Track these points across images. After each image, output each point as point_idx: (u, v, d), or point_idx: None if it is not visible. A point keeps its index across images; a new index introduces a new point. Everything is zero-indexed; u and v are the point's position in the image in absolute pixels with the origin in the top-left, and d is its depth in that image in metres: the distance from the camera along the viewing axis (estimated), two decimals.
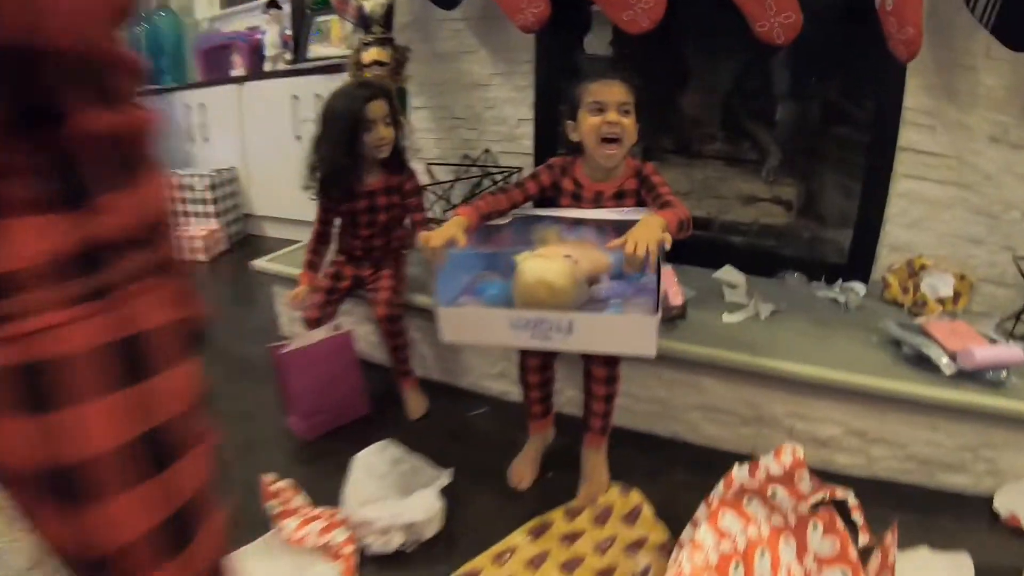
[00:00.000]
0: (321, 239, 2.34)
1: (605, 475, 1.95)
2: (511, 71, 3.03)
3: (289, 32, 4.49)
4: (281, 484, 1.81)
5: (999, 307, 2.50)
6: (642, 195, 1.91)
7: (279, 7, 4.49)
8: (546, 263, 1.58)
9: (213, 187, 4.37)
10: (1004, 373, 1.92)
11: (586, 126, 1.80)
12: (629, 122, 1.81)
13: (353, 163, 2.17)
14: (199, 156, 4.79)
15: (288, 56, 4.47)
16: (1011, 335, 2.25)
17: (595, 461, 1.96)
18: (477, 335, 1.68)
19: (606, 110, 1.78)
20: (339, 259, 2.40)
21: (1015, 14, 2.05)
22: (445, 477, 1.86)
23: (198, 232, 4.23)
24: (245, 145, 4.55)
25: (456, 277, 1.78)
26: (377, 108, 2.11)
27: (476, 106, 3.18)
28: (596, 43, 3.03)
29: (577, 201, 1.93)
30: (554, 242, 1.76)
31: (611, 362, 1.84)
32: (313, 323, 2.26)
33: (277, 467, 1.89)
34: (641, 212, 1.78)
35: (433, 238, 1.63)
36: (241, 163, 4.62)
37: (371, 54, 2.86)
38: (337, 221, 2.37)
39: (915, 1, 2.10)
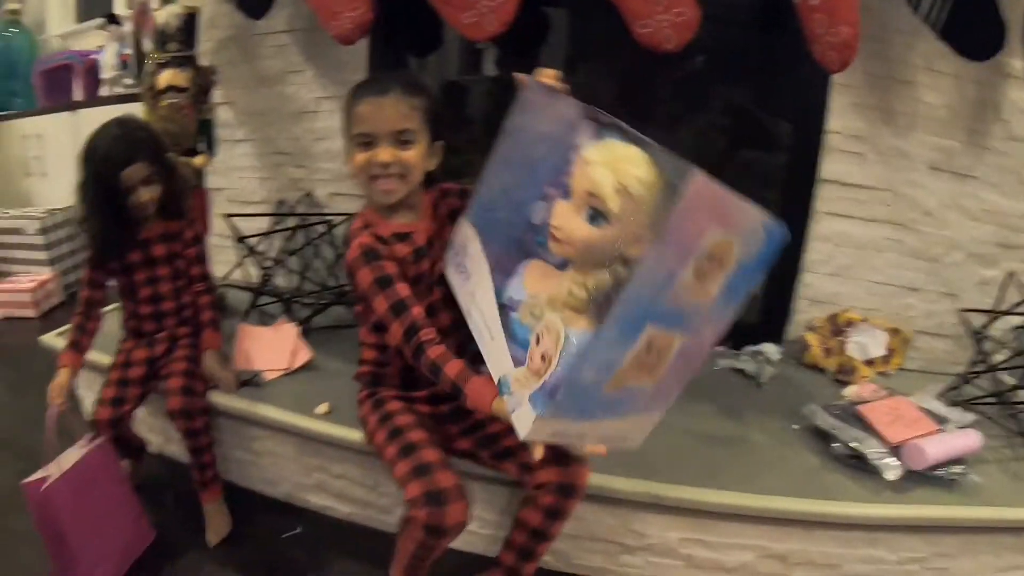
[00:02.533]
0: (90, 309, 1.86)
1: None
2: (342, 95, 2.37)
3: (129, 51, 3.72)
4: None
5: (937, 362, 2.25)
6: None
7: (118, 23, 3.75)
8: None
9: (46, 230, 3.65)
10: (960, 468, 1.61)
11: (354, 162, 1.37)
12: (412, 155, 1.35)
13: (120, 229, 1.81)
14: (38, 193, 4.14)
15: (129, 80, 3.71)
16: (955, 403, 1.91)
17: None
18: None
19: (376, 143, 1.33)
20: (127, 344, 1.94)
21: (970, 13, 1.73)
22: None
23: (26, 284, 3.48)
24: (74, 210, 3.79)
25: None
26: (132, 174, 1.73)
27: (303, 138, 2.62)
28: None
29: (417, 260, 1.43)
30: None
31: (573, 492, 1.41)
32: (105, 425, 1.76)
33: None
34: None
35: None
36: None
37: (165, 78, 2.21)
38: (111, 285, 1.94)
39: None
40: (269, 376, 1.90)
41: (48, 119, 4.01)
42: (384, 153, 1.32)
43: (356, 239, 1.40)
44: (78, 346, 1.84)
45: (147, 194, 1.76)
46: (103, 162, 1.72)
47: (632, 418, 1.04)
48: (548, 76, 1.19)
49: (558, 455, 1.35)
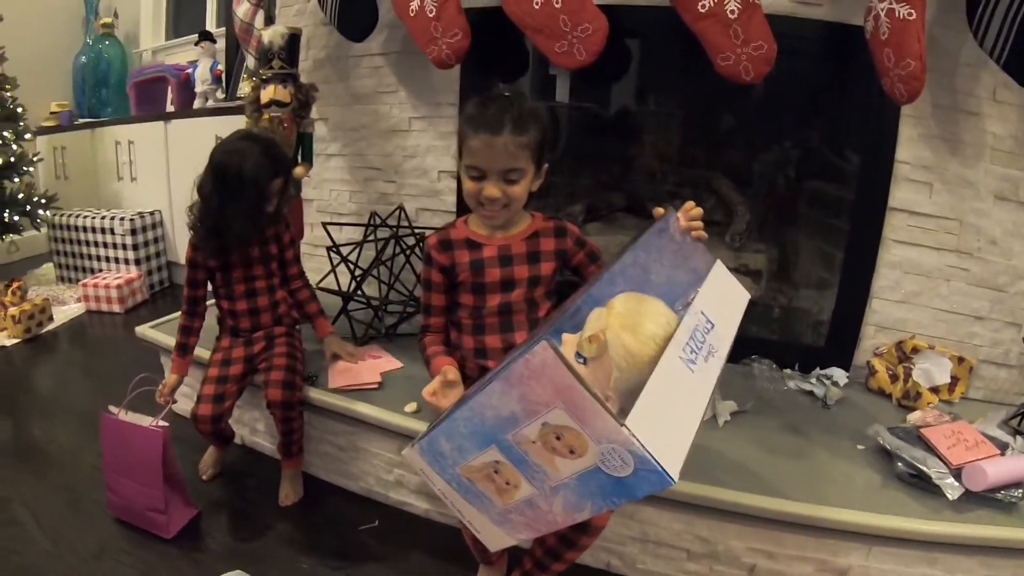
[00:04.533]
0: (194, 307, 2.03)
1: None
2: (434, 115, 2.58)
3: (221, 67, 3.92)
4: None
5: (1001, 392, 2.19)
6: (574, 261, 1.58)
7: (212, 40, 3.97)
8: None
9: (134, 231, 3.83)
10: (1019, 491, 1.58)
11: (465, 188, 1.46)
12: (517, 189, 1.43)
13: (256, 231, 1.96)
14: (127, 197, 4.27)
15: (220, 93, 3.92)
16: (1017, 431, 1.88)
17: None
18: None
19: (486, 178, 1.41)
20: (223, 342, 2.06)
21: None
22: None
23: (114, 280, 3.65)
24: (172, 187, 4.00)
25: None
26: (278, 186, 1.94)
27: (394, 155, 2.70)
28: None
29: (479, 268, 1.53)
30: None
31: (586, 528, 1.42)
32: (206, 421, 1.90)
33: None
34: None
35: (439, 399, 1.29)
36: (167, 206, 4.07)
37: (269, 92, 2.35)
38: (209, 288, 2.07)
39: (917, 28, 1.67)
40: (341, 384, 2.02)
41: (140, 127, 4.13)
42: (491, 189, 1.40)
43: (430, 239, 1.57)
44: (186, 348, 2.01)
45: (275, 203, 1.95)
46: (256, 171, 1.84)
47: (484, 517, 1.06)
48: (693, 214, 1.26)
49: None
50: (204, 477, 2.06)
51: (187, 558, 1.73)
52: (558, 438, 0.86)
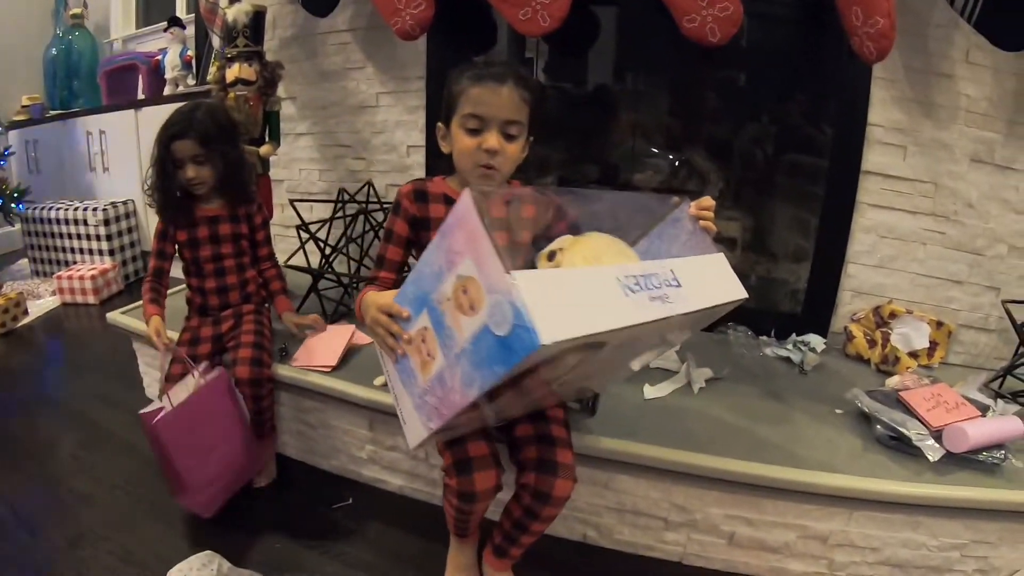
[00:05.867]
0: (159, 278, 2.02)
1: None
2: (401, 90, 2.57)
3: (191, 53, 3.88)
4: None
5: (981, 356, 2.22)
6: (552, 234, 1.47)
7: (182, 26, 3.94)
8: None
9: (107, 222, 3.78)
10: (1001, 453, 1.58)
11: (459, 146, 1.39)
12: (514, 148, 1.38)
13: (172, 198, 1.93)
14: (100, 187, 4.25)
15: (191, 79, 3.88)
16: (998, 394, 1.89)
17: None
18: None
19: (486, 128, 1.35)
20: (192, 322, 2.05)
21: (1005, 3, 1.70)
22: None
23: (88, 272, 3.61)
24: (144, 176, 3.87)
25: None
26: (182, 148, 1.85)
27: (363, 131, 2.69)
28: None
29: None
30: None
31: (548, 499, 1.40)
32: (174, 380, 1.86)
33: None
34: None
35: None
36: (140, 196, 3.94)
37: (234, 71, 2.33)
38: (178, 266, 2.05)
39: None
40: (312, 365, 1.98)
41: (111, 116, 4.10)
42: (492, 139, 1.34)
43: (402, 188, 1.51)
44: (156, 302, 1.97)
45: (194, 172, 1.87)
46: (161, 131, 1.85)
47: (408, 400, 1.12)
48: (705, 208, 1.27)
49: (540, 462, 1.39)
50: None
51: (163, 542, 1.71)
52: (464, 292, 0.91)
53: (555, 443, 1.41)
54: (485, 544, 1.58)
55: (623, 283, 0.95)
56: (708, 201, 1.27)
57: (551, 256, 1.10)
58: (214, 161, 1.90)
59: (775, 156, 2.46)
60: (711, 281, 1.15)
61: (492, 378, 0.90)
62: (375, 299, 1.19)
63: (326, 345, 2.03)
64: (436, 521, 1.62)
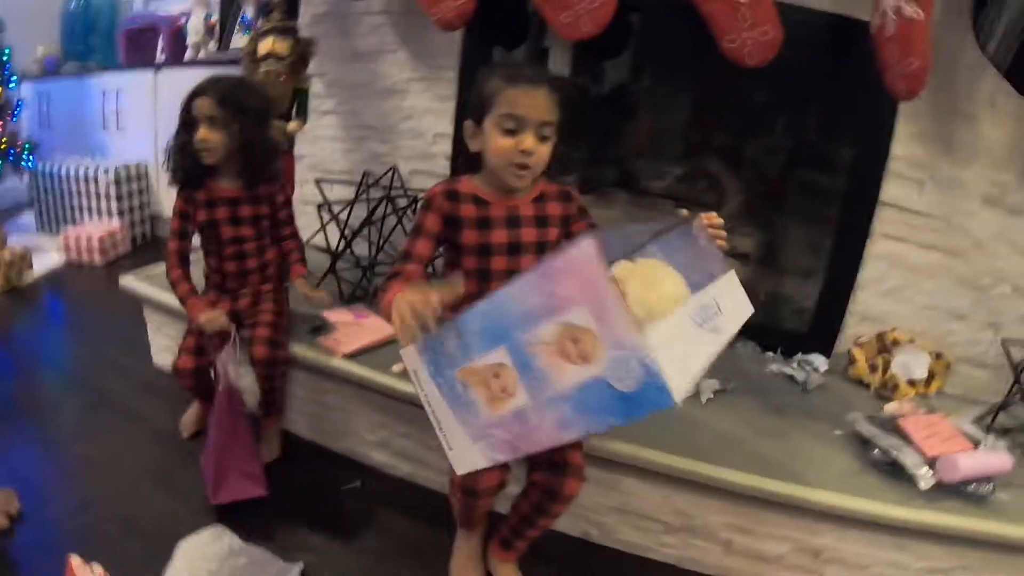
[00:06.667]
0: (182, 262, 1.93)
1: None
2: (433, 77, 2.56)
3: (215, 19, 3.87)
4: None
5: (975, 391, 2.24)
6: (574, 228, 1.55)
7: None
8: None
9: (118, 182, 3.79)
10: (989, 486, 1.65)
11: (495, 146, 1.38)
12: (546, 149, 1.39)
13: (186, 157, 1.87)
14: (112, 147, 4.20)
15: (212, 45, 3.87)
16: (990, 428, 1.93)
17: None
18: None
19: (522, 130, 1.35)
20: (210, 296, 2.02)
21: None
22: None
23: (96, 232, 3.62)
24: (159, 139, 3.90)
25: None
26: (201, 106, 1.80)
27: (391, 115, 2.68)
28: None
29: (486, 228, 1.47)
30: None
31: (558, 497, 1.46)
32: (187, 374, 1.87)
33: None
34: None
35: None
36: (154, 158, 3.98)
37: (267, 44, 2.33)
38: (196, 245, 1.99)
39: (923, 28, 1.72)
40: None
41: (129, 77, 4.07)
42: (530, 140, 1.35)
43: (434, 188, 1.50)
44: (196, 293, 1.92)
45: (205, 133, 1.79)
46: (191, 90, 1.82)
47: (463, 430, 1.06)
48: (715, 223, 1.30)
49: (552, 463, 1.43)
50: (185, 434, 2.04)
51: (167, 513, 1.72)
52: (574, 342, 0.87)
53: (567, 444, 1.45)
54: (491, 536, 1.62)
55: (694, 319, 0.98)
56: (717, 219, 1.31)
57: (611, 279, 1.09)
58: (230, 129, 1.83)
59: (793, 177, 2.50)
60: (734, 303, 1.19)
61: (603, 426, 0.91)
62: (412, 300, 1.08)
63: (366, 333, 2.05)
64: (443, 510, 1.64)
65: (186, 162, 1.86)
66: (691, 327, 0.96)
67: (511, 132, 1.35)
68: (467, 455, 1.08)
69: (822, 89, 2.33)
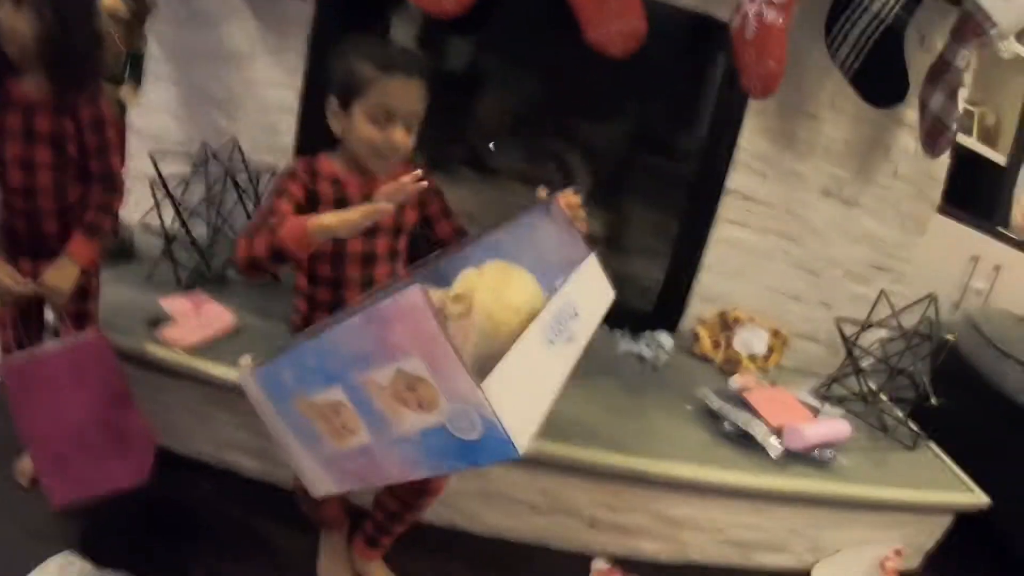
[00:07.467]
0: None
1: None
2: (281, 48, 2.33)
3: None
4: None
5: (810, 364, 2.46)
6: (429, 210, 1.48)
7: None
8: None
9: None
10: (830, 452, 1.85)
11: (362, 133, 1.30)
12: (412, 139, 1.34)
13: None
14: None
15: None
16: (826, 398, 2.17)
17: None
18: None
19: (393, 121, 1.28)
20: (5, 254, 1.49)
21: (880, 66, 1.93)
22: None
23: None
24: None
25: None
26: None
27: (233, 86, 2.42)
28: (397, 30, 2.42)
29: (342, 207, 1.31)
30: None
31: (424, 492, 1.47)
32: (13, 349, 1.48)
33: None
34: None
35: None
36: None
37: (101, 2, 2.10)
38: None
39: (780, 33, 1.79)
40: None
41: None
42: (399, 134, 1.30)
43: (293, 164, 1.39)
44: None
45: (11, 19, 1.32)
46: None
47: (312, 458, 1.03)
48: (572, 203, 1.26)
49: None
50: (24, 482, 1.68)
51: (5, 543, 1.51)
52: (411, 389, 0.82)
53: None
54: (355, 533, 1.60)
55: (546, 339, 0.94)
56: (575, 198, 1.28)
57: (457, 299, 1.05)
58: (41, 10, 1.33)
59: (642, 160, 2.55)
60: (593, 295, 1.17)
61: (450, 469, 0.87)
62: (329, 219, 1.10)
63: (207, 323, 1.87)
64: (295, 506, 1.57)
65: None
66: (542, 351, 0.92)
67: (381, 123, 1.29)
68: (319, 482, 1.05)
69: (677, 80, 2.37)
